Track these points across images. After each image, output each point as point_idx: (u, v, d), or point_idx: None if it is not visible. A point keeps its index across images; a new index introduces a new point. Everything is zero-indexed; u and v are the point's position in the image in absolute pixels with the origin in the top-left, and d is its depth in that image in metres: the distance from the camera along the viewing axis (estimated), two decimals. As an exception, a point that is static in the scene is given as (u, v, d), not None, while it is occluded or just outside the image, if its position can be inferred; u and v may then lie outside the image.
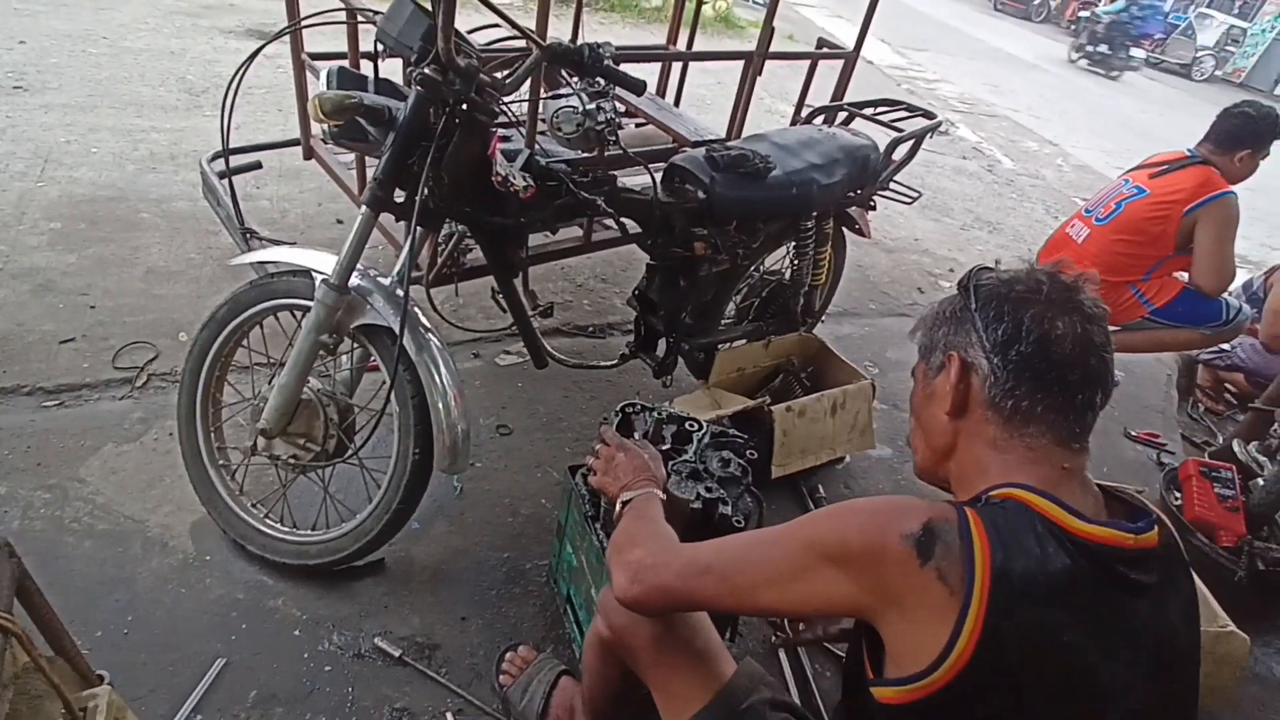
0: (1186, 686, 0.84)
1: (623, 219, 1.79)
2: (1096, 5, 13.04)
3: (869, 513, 0.81)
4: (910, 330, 0.99)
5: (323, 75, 1.54)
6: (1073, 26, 12.45)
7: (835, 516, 0.83)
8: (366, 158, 2.16)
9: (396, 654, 1.52)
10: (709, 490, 1.37)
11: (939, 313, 0.93)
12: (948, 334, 0.90)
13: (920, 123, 2.32)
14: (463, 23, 1.36)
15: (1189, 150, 2.78)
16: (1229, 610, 1.69)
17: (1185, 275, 2.82)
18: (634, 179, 1.89)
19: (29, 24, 4.18)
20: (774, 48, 2.48)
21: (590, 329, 2.75)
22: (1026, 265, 0.89)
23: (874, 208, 2.41)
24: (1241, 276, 3.33)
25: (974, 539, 0.74)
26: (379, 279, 1.51)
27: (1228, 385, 3.36)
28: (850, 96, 2.61)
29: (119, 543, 1.62)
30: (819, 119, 2.47)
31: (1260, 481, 2.25)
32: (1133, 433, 2.92)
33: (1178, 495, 2.26)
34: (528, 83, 1.58)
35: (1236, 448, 2.33)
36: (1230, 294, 2.86)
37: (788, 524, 0.88)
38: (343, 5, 1.98)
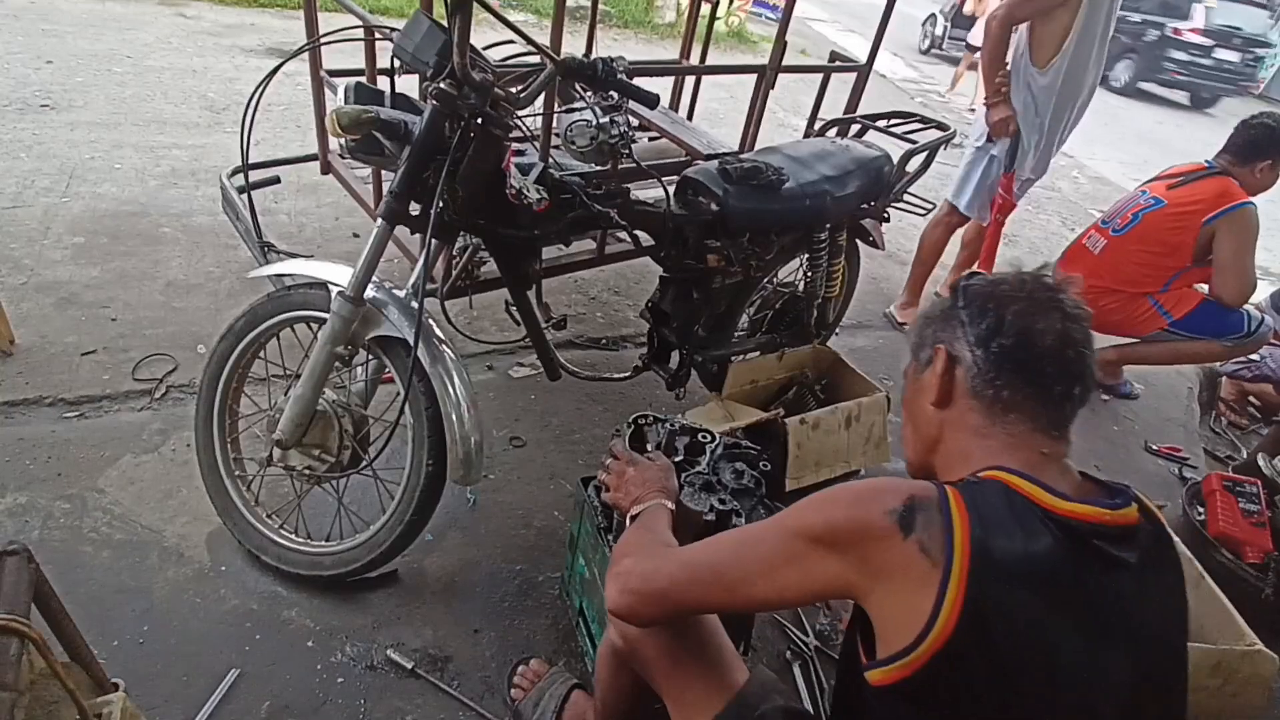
0: (1173, 664, 0.84)
1: (636, 231, 1.79)
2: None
3: (853, 494, 0.83)
4: (907, 332, 1.02)
5: (340, 91, 1.56)
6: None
7: (821, 502, 0.86)
8: (383, 172, 2.19)
9: (409, 666, 1.51)
10: (722, 502, 1.36)
11: (928, 312, 0.99)
12: (936, 331, 0.95)
13: (934, 135, 2.32)
14: (478, 39, 1.37)
15: (1207, 161, 2.75)
16: (1256, 628, 1.65)
17: (1205, 287, 2.78)
18: (647, 192, 1.90)
19: (56, 44, 4.29)
20: (786, 62, 2.50)
21: (603, 341, 2.75)
22: (1013, 269, 0.93)
23: (888, 219, 2.41)
24: (1265, 288, 3.29)
25: (953, 512, 0.77)
26: (394, 291, 1.52)
27: (1252, 398, 3.30)
28: (863, 109, 2.61)
29: (136, 552, 1.64)
30: (832, 131, 2.47)
31: (1286, 496, 2.21)
32: (1154, 446, 2.88)
33: (1201, 510, 2.23)
34: (542, 97, 1.60)
35: (1261, 462, 2.29)
36: (1253, 305, 2.82)
37: (774, 515, 0.90)
38: (360, 23, 2.02)
